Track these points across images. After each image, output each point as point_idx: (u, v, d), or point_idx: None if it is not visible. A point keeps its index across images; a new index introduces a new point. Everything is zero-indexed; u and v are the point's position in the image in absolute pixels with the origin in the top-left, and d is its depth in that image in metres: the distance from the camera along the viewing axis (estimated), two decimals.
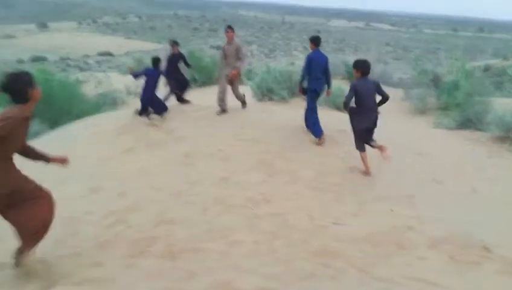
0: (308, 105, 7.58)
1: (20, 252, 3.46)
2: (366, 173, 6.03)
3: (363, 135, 6.08)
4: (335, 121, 8.58)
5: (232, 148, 6.78)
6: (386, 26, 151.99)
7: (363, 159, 6.06)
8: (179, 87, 9.42)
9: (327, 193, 5.44)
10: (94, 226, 4.52)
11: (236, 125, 7.81)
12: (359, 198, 5.27)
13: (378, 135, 8.08)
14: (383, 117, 12.04)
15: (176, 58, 9.36)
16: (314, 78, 7.34)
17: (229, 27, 8.38)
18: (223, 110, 8.51)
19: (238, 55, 8.32)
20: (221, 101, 8.46)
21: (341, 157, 6.64)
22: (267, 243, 4.10)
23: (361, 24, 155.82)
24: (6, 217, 3.37)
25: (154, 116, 8.31)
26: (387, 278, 3.30)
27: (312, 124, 7.42)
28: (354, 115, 6.17)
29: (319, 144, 7.16)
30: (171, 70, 9.25)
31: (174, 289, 3.13)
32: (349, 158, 6.58)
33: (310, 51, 7.47)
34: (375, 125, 6.09)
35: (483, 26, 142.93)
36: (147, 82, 8.27)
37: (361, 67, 5.95)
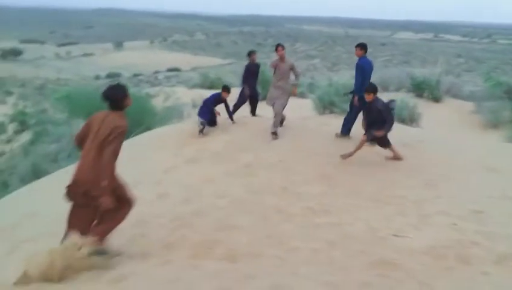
0: (355, 111, 7.72)
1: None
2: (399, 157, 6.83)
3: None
4: (399, 135, 8.42)
5: (292, 160, 6.89)
6: (457, 38, 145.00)
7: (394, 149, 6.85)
8: (252, 95, 9.59)
9: (388, 206, 5.37)
10: (161, 228, 4.82)
11: (297, 137, 7.92)
12: (422, 211, 5.14)
13: (445, 147, 7.84)
14: (451, 130, 11.63)
15: (253, 67, 9.54)
16: (362, 87, 7.36)
17: (280, 45, 8.00)
18: (275, 132, 7.98)
19: (292, 72, 8.11)
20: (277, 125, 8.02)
21: (403, 172, 6.51)
22: (325, 251, 4.16)
23: (429, 36, 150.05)
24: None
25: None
26: None
27: (347, 123, 7.88)
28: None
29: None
30: (248, 77, 9.55)
31: (233, 289, 3.28)
32: (412, 172, 6.44)
33: (358, 58, 7.67)
34: None
35: None
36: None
37: (374, 90, 6.70)
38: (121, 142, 3.83)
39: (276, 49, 7.96)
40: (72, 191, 4.00)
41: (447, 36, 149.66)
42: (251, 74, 9.49)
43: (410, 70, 21.95)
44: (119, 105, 3.86)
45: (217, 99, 8.77)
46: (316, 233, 4.61)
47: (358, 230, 4.64)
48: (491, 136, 11.18)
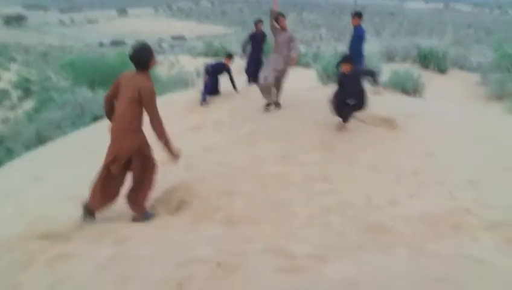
0: None
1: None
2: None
3: None
4: (401, 105, 8.43)
5: (293, 129, 6.94)
6: (468, 8, 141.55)
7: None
8: (255, 67, 9.57)
9: (386, 174, 5.46)
10: (163, 195, 4.94)
11: (299, 107, 7.95)
12: (419, 180, 5.24)
13: (446, 118, 7.85)
14: (456, 102, 11.58)
15: (259, 36, 9.49)
16: (358, 53, 7.86)
17: (281, 14, 7.62)
18: (270, 104, 7.77)
19: (289, 46, 7.56)
20: (268, 94, 7.65)
21: (403, 141, 6.57)
22: (321, 217, 4.29)
23: (440, 5, 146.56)
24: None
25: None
26: (436, 254, 3.35)
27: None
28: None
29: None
30: (253, 48, 9.53)
31: (232, 250, 3.42)
32: (412, 142, 6.50)
33: (353, 25, 8.01)
34: None
35: None
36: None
37: (352, 60, 6.56)
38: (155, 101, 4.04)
39: (278, 20, 7.51)
40: (116, 161, 4.15)
41: (458, 6, 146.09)
42: (257, 43, 9.44)
43: (418, 41, 21.65)
44: (146, 66, 4.01)
45: (221, 67, 8.81)
46: (314, 200, 4.73)
47: (355, 197, 4.75)
48: (495, 108, 11.13)
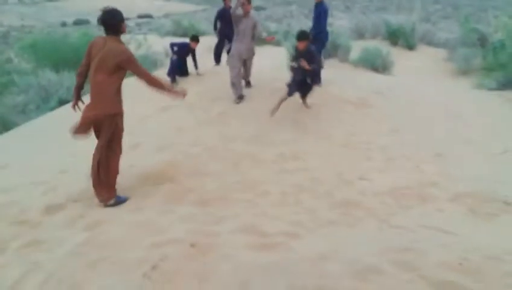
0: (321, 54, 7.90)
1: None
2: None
3: None
4: (371, 83, 8.55)
5: (264, 109, 6.94)
6: None
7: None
8: (223, 43, 9.49)
9: (356, 151, 5.58)
10: (134, 178, 4.90)
11: (270, 85, 7.94)
12: (387, 156, 5.37)
13: (414, 94, 8.03)
14: (424, 78, 11.82)
15: (227, 13, 8.91)
16: (325, 29, 7.75)
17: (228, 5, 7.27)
18: (241, 96, 7.42)
19: (253, 34, 7.23)
20: (236, 85, 7.38)
21: (372, 118, 6.69)
22: (293, 194, 4.35)
23: None
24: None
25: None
26: (403, 226, 3.47)
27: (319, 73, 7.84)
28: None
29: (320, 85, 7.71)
30: (222, 25, 9.37)
31: (204, 230, 3.44)
32: (381, 119, 6.63)
33: (316, 1, 7.80)
34: None
35: None
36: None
37: (308, 37, 6.33)
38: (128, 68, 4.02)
39: (242, 5, 7.01)
40: (85, 122, 4.09)
41: None
42: (226, 20, 9.19)
43: (387, 17, 21.81)
44: (117, 29, 3.95)
45: (186, 49, 8.66)
46: (285, 178, 4.79)
47: (326, 174, 4.84)
48: (462, 83, 11.43)
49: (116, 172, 4.33)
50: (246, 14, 7.07)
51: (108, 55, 3.89)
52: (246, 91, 7.67)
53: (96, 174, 4.20)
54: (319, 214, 3.83)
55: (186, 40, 8.94)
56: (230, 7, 9.22)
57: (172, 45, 8.71)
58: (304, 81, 6.47)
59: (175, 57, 8.52)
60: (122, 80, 4.11)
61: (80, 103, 4.34)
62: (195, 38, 8.74)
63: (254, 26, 7.15)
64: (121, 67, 3.96)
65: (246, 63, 7.50)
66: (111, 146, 4.22)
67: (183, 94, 4.41)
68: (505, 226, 3.51)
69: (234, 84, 7.31)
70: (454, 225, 3.51)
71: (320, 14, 7.77)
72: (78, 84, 4.28)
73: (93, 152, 4.22)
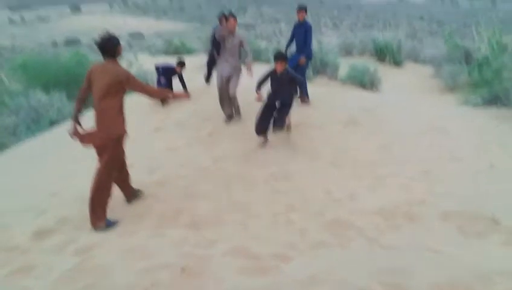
0: (305, 73, 8.21)
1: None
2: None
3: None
4: (359, 100, 8.67)
5: (253, 128, 7.01)
6: (420, 1, 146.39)
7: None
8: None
9: (345, 169, 5.64)
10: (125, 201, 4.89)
11: (259, 104, 7.99)
12: (376, 174, 5.44)
13: (402, 111, 8.15)
14: (411, 94, 12.03)
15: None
16: (309, 46, 7.92)
17: (231, 15, 6.97)
18: (230, 115, 7.37)
19: (239, 52, 7.11)
20: (223, 105, 7.31)
21: (360, 136, 6.78)
22: (284, 215, 4.38)
23: None
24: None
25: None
26: (393, 246, 3.51)
27: (306, 88, 8.02)
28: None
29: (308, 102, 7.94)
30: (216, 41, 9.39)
31: (196, 253, 3.45)
32: (369, 136, 6.72)
33: (299, 19, 7.98)
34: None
35: None
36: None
37: (287, 58, 6.16)
38: (126, 87, 4.21)
39: (227, 19, 6.89)
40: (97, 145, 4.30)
41: None
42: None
43: (374, 34, 22.25)
44: (113, 53, 4.18)
45: (171, 71, 8.68)
46: (277, 198, 4.82)
47: (316, 193, 4.89)
48: (448, 100, 11.63)
49: (109, 194, 4.36)
50: (232, 31, 6.90)
51: (108, 78, 4.08)
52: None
53: (93, 196, 4.24)
54: (310, 234, 3.86)
55: (174, 59, 8.95)
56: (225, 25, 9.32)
57: (157, 68, 8.72)
58: (274, 106, 6.20)
59: (164, 80, 8.53)
60: (123, 100, 4.29)
61: (79, 128, 4.35)
62: (180, 64, 8.71)
63: (241, 44, 7.05)
64: (121, 88, 4.15)
65: (229, 81, 7.15)
66: (111, 166, 4.33)
67: (187, 96, 4.77)
68: (493, 244, 3.57)
69: (222, 104, 7.31)
70: (444, 244, 3.55)
71: (307, 32, 7.91)
72: (77, 110, 4.35)
73: (94, 174, 4.30)
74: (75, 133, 4.26)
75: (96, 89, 4.14)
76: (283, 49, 8.37)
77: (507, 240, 3.59)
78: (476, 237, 3.67)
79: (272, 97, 6.24)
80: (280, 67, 5.99)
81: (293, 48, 8.33)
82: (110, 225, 4.30)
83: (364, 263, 3.16)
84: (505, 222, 3.88)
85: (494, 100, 9.20)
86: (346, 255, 3.41)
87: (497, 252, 3.44)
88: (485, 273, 2.90)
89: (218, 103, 7.37)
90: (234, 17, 6.96)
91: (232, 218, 4.33)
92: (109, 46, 4.15)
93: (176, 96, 4.72)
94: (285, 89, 6.14)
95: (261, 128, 6.29)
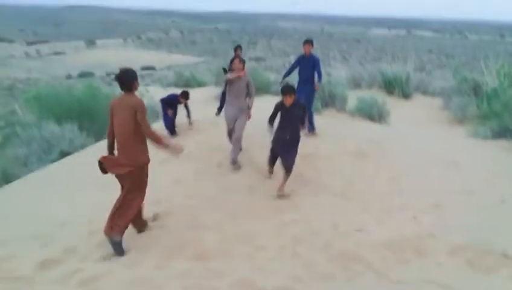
0: (312, 105, 8.43)
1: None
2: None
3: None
4: (368, 132, 8.69)
5: (261, 158, 7.03)
6: (429, 33, 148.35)
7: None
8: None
9: (353, 201, 5.59)
10: (133, 231, 4.89)
11: (266, 135, 8.05)
12: (385, 206, 5.38)
13: (410, 143, 8.14)
14: (419, 127, 12.01)
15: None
16: (321, 77, 8.20)
17: (239, 57, 7.03)
18: (233, 161, 6.91)
19: (245, 94, 6.94)
20: (233, 149, 6.94)
21: (369, 168, 6.75)
22: (291, 247, 4.33)
23: (402, 32, 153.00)
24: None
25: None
26: (402, 281, 3.44)
27: (312, 119, 8.24)
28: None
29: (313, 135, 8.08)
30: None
31: (202, 286, 3.41)
32: (377, 168, 6.69)
33: (305, 52, 8.22)
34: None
35: None
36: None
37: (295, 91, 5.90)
38: (145, 115, 4.38)
39: (232, 62, 6.86)
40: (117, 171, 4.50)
41: (420, 32, 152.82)
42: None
43: (383, 66, 22.46)
44: (130, 86, 4.38)
45: (173, 100, 8.76)
46: (283, 230, 4.78)
47: (323, 226, 4.84)
48: (457, 132, 11.58)
49: (133, 215, 4.54)
50: (240, 73, 6.78)
51: (127, 110, 4.29)
52: (243, 143, 7.57)
53: (113, 214, 4.42)
54: (317, 267, 3.80)
55: (179, 91, 9.09)
56: (240, 57, 9.55)
57: (162, 101, 8.80)
58: (287, 141, 5.98)
59: (170, 112, 8.64)
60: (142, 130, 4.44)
61: (110, 156, 4.56)
62: (184, 96, 8.73)
63: (247, 86, 6.90)
64: (136, 118, 4.33)
65: (236, 124, 6.94)
66: (136, 191, 4.58)
67: (179, 151, 4.71)
68: (504, 280, 3.48)
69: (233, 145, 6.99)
70: (454, 279, 3.48)
71: (316, 64, 8.09)
72: (109, 143, 4.61)
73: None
74: (106, 159, 4.43)
75: (116, 121, 4.37)
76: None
77: None
78: (486, 272, 3.58)
79: (281, 132, 6.01)
80: (289, 101, 5.79)
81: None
82: (121, 249, 4.37)
83: None
84: None
85: (503, 132, 9.14)
86: (353, 289, 3.34)
87: (506, 288, 3.35)
88: None
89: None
90: (241, 59, 6.92)
91: (238, 250, 4.29)
92: (127, 79, 4.35)
93: (169, 150, 4.69)
94: (295, 122, 5.96)
95: (273, 160, 6.28)
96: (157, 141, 4.53)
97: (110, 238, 4.33)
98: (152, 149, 7.67)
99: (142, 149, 4.53)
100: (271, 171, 6.49)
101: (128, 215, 4.47)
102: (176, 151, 4.69)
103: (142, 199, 4.68)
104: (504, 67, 12.70)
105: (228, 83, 6.93)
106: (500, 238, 4.27)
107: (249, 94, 6.98)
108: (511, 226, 4.62)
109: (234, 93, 6.90)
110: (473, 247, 4.05)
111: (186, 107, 8.87)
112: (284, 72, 8.69)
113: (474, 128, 10.67)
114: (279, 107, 5.95)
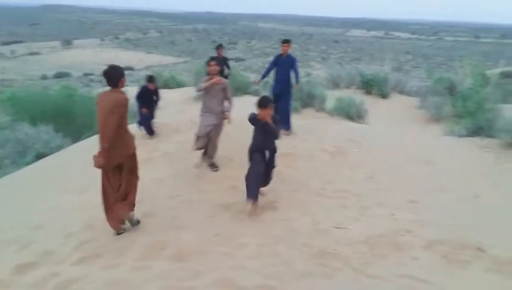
0: (290, 104, 8.52)
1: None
2: None
3: None
4: (346, 131, 8.79)
5: (241, 158, 7.03)
6: (406, 35, 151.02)
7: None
8: None
9: (332, 199, 5.65)
10: (111, 232, 4.83)
11: (247, 134, 8.06)
12: (362, 204, 5.46)
13: (388, 142, 8.27)
14: (397, 125, 12.22)
15: (221, 61, 9.54)
16: (299, 76, 8.37)
17: (213, 59, 6.80)
18: (213, 164, 6.87)
19: (224, 96, 6.66)
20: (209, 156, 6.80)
21: (347, 166, 6.84)
22: (270, 246, 4.34)
23: (380, 33, 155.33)
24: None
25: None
26: (379, 276, 3.50)
27: (289, 118, 8.30)
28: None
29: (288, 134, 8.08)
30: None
31: (181, 287, 3.40)
32: (355, 167, 6.78)
33: (283, 52, 8.28)
34: None
35: (507, 33, 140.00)
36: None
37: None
38: (124, 112, 4.48)
39: (208, 64, 6.57)
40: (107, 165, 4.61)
41: (397, 33, 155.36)
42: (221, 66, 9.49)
43: (361, 67, 22.76)
44: (117, 82, 4.49)
45: (145, 91, 8.61)
46: (263, 229, 4.80)
47: (303, 224, 4.87)
48: (433, 130, 11.82)
49: (134, 196, 4.88)
50: (214, 76, 6.49)
51: (110, 103, 4.35)
52: (223, 143, 7.52)
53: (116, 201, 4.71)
54: (296, 265, 3.83)
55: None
56: (222, 56, 9.58)
57: (137, 98, 8.70)
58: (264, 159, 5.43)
59: (145, 110, 8.54)
60: (126, 119, 4.61)
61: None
62: (151, 79, 8.50)
63: (223, 90, 6.60)
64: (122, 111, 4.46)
65: (212, 133, 6.66)
66: (135, 170, 4.91)
67: (95, 165, 4.53)
68: (478, 272, 3.58)
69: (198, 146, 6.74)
70: (429, 273, 3.55)
71: (294, 64, 8.14)
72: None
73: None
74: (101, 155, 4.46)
75: (99, 115, 4.42)
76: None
77: (490, 268, 3.61)
78: (461, 266, 3.68)
79: (260, 149, 5.47)
80: (267, 114, 5.19)
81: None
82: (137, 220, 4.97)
83: None
84: (489, 250, 3.90)
85: (477, 130, 9.37)
86: (331, 286, 3.38)
87: (481, 281, 3.45)
88: None
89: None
90: (215, 60, 6.68)
91: (217, 249, 4.28)
92: (114, 76, 4.48)
93: (94, 158, 4.47)
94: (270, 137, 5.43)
95: (256, 192, 5.22)
96: (101, 146, 4.42)
97: (130, 219, 4.82)
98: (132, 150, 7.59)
99: (129, 140, 4.73)
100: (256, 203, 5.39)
101: (134, 193, 4.83)
102: (98, 163, 4.48)
103: (138, 178, 4.97)
104: (478, 67, 13.05)
105: (204, 91, 6.61)
106: (473, 232, 4.38)
107: (226, 98, 6.69)
108: (484, 220, 4.75)
109: (210, 98, 6.60)
110: (448, 241, 4.15)
111: (156, 98, 8.70)
112: (263, 72, 8.71)
113: (450, 126, 10.91)
114: (254, 120, 5.39)
